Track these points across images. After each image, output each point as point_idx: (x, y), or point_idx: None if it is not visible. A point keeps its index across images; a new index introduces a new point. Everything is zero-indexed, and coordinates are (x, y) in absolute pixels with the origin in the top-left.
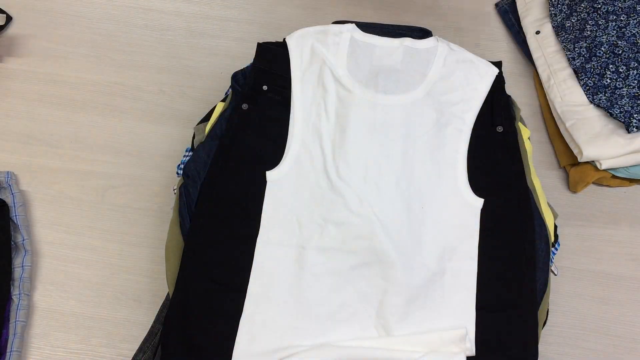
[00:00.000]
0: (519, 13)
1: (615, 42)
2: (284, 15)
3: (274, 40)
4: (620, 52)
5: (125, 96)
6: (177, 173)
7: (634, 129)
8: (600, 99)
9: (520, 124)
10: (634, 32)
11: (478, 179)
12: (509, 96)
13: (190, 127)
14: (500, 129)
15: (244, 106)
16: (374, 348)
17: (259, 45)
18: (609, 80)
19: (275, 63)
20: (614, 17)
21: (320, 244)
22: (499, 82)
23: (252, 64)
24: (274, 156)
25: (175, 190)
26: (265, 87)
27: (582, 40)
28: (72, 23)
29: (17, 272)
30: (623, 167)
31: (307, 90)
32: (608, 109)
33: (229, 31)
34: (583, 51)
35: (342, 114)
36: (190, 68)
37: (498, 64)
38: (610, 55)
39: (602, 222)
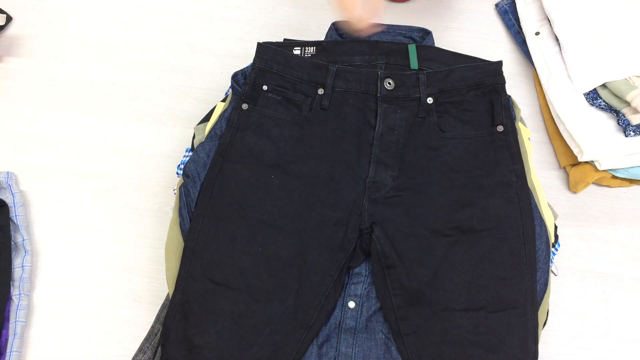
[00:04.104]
0: (519, 14)
1: None
2: (283, 15)
3: (274, 40)
4: None
5: (125, 96)
6: (177, 173)
7: (631, 133)
8: (600, 104)
9: (520, 124)
10: None
11: (479, 178)
12: (509, 96)
13: (190, 127)
14: (500, 128)
15: (244, 106)
16: None
17: (259, 45)
18: None
19: (275, 63)
20: None
21: None
22: (499, 81)
23: (252, 64)
24: (274, 156)
25: (175, 191)
26: (265, 87)
27: None
28: (72, 23)
29: (17, 273)
30: (623, 168)
31: None
32: (607, 112)
33: (229, 31)
34: None
35: None
36: (190, 68)
37: (498, 64)
38: None
39: (602, 222)
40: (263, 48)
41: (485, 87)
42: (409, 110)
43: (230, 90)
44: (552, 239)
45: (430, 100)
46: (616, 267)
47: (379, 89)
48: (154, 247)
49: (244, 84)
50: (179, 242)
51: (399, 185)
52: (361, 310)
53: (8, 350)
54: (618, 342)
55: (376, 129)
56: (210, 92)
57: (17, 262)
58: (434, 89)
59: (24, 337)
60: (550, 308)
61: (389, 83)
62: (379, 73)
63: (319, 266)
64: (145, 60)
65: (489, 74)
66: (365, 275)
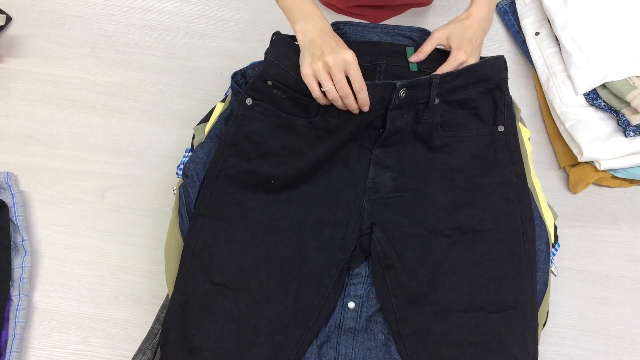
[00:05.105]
0: (519, 14)
1: None
2: (283, 15)
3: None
4: None
5: (125, 96)
6: (177, 173)
7: (631, 133)
8: (600, 104)
9: (520, 124)
10: None
11: (479, 179)
12: (510, 96)
13: (190, 127)
14: (501, 128)
15: (248, 101)
16: None
17: (276, 34)
18: None
19: (286, 58)
20: None
21: None
22: (503, 77)
23: (265, 53)
24: (274, 156)
25: (175, 191)
26: (270, 83)
27: None
28: (72, 23)
29: (16, 273)
30: (623, 168)
31: None
32: (607, 112)
33: (229, 31)
34: None
35: None
36: (190, 68)
37: (500, 58)
38: None
39: (602, 222)
40: (280, 39)
41: (490, 84)
42: (414, 111)
43: (230, 90)
44: (552, 239)
45: (436, 101)
46: (616, 267)
47: (393, 101)
48: (153, 247)
49: (244, 84)
50: (178, 243)
51: (399, 185)
52: (361, 311)
53: (8, 350)
54: (618, 342)
55: (382, 133)
56: (210, 92)
57: (16, 262)
58: (442, 89)
59: (24, 337)
60: (550, 308)
61: (402, 93)
62: (397, 85)
63: (319, 266)
64: (145, 60)
65: (493, 68)
66: (365, 275)
